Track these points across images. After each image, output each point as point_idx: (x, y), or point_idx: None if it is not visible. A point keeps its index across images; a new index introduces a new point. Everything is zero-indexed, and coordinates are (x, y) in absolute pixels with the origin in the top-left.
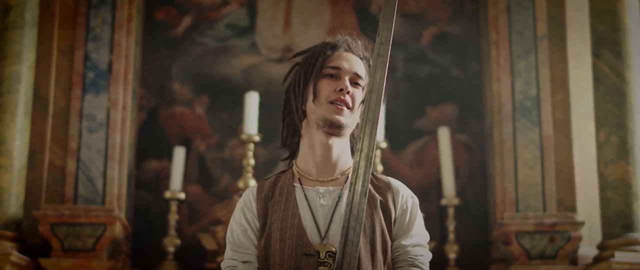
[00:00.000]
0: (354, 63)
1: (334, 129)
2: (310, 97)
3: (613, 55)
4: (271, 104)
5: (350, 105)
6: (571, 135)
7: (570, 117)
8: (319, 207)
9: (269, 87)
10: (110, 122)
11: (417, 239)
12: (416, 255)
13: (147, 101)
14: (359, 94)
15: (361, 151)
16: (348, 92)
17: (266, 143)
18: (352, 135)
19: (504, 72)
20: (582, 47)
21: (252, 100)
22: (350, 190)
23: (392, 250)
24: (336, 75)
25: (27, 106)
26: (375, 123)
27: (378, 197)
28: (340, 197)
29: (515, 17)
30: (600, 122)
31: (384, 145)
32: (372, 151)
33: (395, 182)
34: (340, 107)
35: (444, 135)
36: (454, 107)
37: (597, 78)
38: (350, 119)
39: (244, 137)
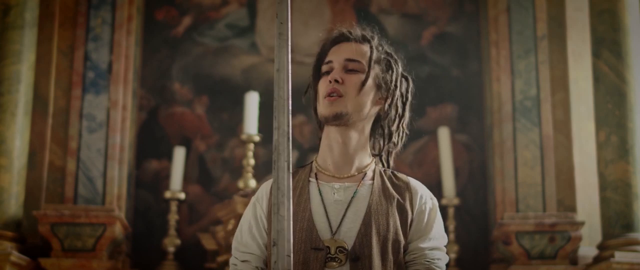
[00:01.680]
0: (346, 50)
1: (334, 121)
2: (315, 98)
3: (613, 55)
4: (271, 104)
5: (342, 92)
6: (571, 135)
7: (570, 117)
8: (333, 202)
9: (269, 87)
10: (110, 122)
11: (435, 242)
12: (433, 259)
13: (147, 101)
14: (355, 78)
15: (278, 129)
16: (337, 81)
17: (266, 143)
18: (380, 123)
19: (504, 72)
20: (582, 47)
21: (252, 100)
22: (273, 168)
23: (409, 252)
24: (330, 70)
25: (27, 106)
26: (287, 99)
27: (396, 196)
28: (355, 193)
29: (515, 17)
30: (600, 122)
31: None
32: (288, 127)
33: (414, 183)
34: (332, 98)
35: (444, 135)
36: (454, 107)
37: (597, 78)
38: (347, 106)
39: (244, 137)
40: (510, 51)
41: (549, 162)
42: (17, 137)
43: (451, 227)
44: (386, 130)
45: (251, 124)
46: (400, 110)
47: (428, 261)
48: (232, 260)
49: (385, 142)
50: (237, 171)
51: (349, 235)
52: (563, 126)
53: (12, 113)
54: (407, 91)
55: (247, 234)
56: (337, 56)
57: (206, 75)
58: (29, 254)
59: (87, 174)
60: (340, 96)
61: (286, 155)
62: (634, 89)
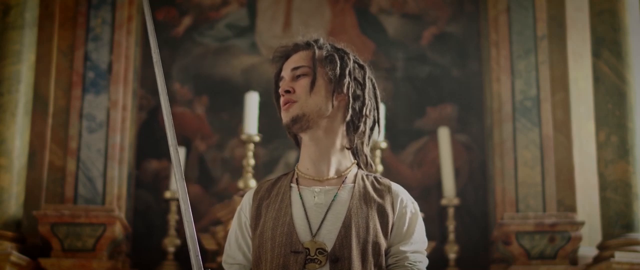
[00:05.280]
0: (291, 61)
1: (294, 126)
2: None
3: (613, 55)
4: (271, 104)
5: (295, 98)
6: (571, 135)
7: (570, 117)
8: (313, 205)
9: (269, 87)
10: (110, 122)
11: (417, 245)
12: (415, 262)
13: (147, 101)
14: (303, 81)
15: (171, 146)
16: (288, 91)
17: (266, 143)
18: (349, 120)
19: (504, 72)
20: (582, 47)
21: (252, 100)
22: (175, 180)
23: (390, 255)
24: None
25: (27, 106)
26: (170, 114)
27: (376, 199)
28: (336, 196)
29: (515, 17)
30: (600, 122)
31: (384, 145)
32: (175, 139)
33: (396, 187)
34: (285, 106)
35: (444, 135)
36: (454, 107)
37: (597, 78)
38: (302, 108)
39: (244, 137)
40: (510, 51)
41: (549, 162)
42: (17, 137)
43: (451, 227)
44: (355, 122)
45: (251, 124)
46: (361, 98)
47: (410, 264)
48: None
49: (354, 132)
50: (237, 171)
51: (329, 237)
52: (563, 126)
53: (12, 113)
54: (363, 78)
55: (234, 244)
56: (285, 70)
57: (206, 75)
58: (29, 254)
59: (87, 174)
60: (294, 102)
61: (180, 171)
62: (634, 89)
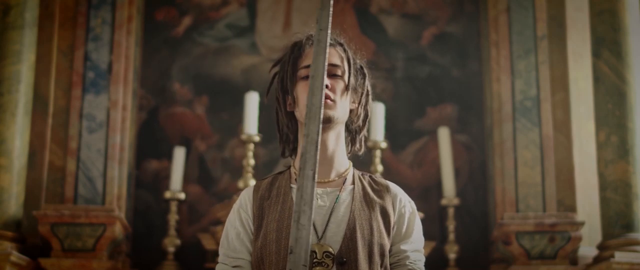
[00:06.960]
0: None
1: (325, 124)
2: (294, 104)
3: (613, 55)
4: (271, 104)
5: (332, 97)
6: (571, 135)
7: (570, 117)
8: (317, 208)
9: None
10: (110, 122)
11: (416, 244)
12: (415, 260)
13: (147, 101)
14: (339, 82)
15: (307, 136)
16: (326, 86)
17: (266, 143)
18: (349, 126)
19: (504, 72)
20: (582, 47)
21: (252, 100)
22: (299, 176)
23: (391, 255)
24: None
25: (27, 106)
26: (319, 107)
27: (377, 200)
28: (338, 198)
29: (515, 17)
30: (600, 122)
31: (384, 145)
32: (318, 135)
33: (393, 186)
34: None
35: (444, 135)
36: (454, 107)
37: (597, 78)
38: (336, 110)
39: (244, 137)
40: (510, 51)
41: (549, 162)
42: (17, 137)
43: (451, 227)
44: (358, 132)
45: (251, 124)
46: (368, 110)
47: (411, 262)
48: (220, 267)
49: (357, 143)
50: (237, 171)
51: (334, 239)
52: (563, 126)
53: (12, 113)
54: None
55: (236, 240)
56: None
57: (206, 75)
58: (29, 254)
59: (87, 174)
60: (332, 101)
61: (312, 164)
62: (634, 89)
